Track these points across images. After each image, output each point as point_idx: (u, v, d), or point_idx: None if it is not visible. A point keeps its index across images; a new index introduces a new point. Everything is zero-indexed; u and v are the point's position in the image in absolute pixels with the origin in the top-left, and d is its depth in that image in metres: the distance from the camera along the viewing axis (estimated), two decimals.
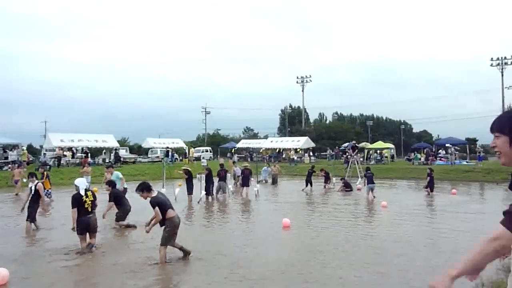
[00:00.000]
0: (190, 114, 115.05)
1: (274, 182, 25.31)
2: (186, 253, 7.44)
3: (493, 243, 1.85)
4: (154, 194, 7.30)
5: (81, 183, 8.23)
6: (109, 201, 10.88)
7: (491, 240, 1.86)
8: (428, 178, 18.80)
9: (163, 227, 7.18)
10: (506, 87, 49.11)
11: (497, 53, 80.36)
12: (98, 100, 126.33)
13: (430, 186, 18.68)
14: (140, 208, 11.44)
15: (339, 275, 6.48)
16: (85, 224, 7.95)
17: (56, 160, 30.76)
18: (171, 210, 7.22)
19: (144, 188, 7.34)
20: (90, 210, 8.07)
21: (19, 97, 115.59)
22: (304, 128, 64.51)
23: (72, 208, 7.94)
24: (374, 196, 16.82)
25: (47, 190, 16.79)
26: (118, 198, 10.82)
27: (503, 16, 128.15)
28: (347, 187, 20.64)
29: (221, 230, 10.78)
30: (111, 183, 11.19)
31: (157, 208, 7.01)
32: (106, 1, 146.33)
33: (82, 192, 8.06)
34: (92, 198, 8.15)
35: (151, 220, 7.30)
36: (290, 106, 79.79)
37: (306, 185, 21.06)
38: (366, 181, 17.73)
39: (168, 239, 7.16)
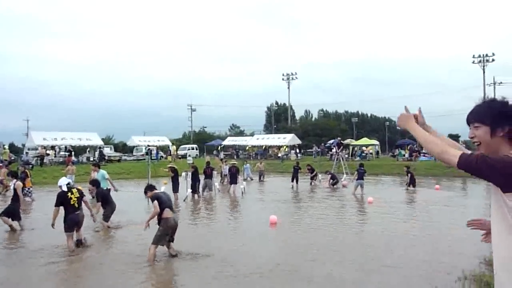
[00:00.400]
0: (176, 112, 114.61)
1: (261, 178, 25.27)
2: (173, 256, 7.41)
3: (445, 151, 1.82)
4: (156, 191, 7.78)
5: (63, 181, 8.30)
6: (97, 201, 10.57)
7: (444, 151, 1.82)
8: (409, 175, 19.30)
9: (158, 226, 7.23)
10: (487, 84, 50.13)
11: (477, 50, 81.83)
12: (83, 98, 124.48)
13: (412, 182, 19.16)
14: (125, 209, 11.36)
15: (326, 272, 6.52)
16: (74, 222, 7.95)
17: (39, 159, 30.21)
18: (168, 210, 7.27)
19: (147, 189, 7.86)
20: (77, 206, 8.06)
21: (0, 95, 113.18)
22: (290, 125, 64.74)
23: (55, 206, 8.01)
24: (360, 193, 16.94)
25: (28, 188, 16.48)
26: (104, 197, 10.62)
27: (484, 15, 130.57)
28: (333, 179, 20.96)
29: (208, 228, 10.75)
30: (95, 183, 10.99)
31: (155, 201, 7.19)
32: None
33: (65, 189, 8.07)
34: (78, 195, 8.14)
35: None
36: (276, 103, 79.93)
37: (292, 181, 21.18)
38: (356, 176, 17.79)
39: (160, 238, 7.14)
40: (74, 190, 8.21)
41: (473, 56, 49.23)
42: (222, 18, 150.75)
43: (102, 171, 12.97)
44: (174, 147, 42.75)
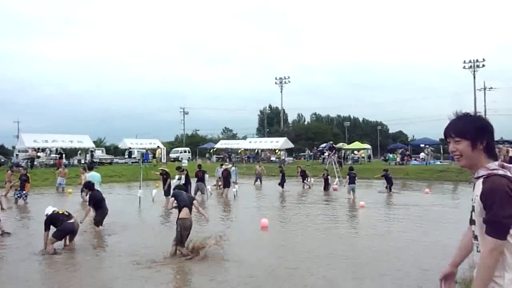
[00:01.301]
0: (168, 114, 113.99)
1: (257, 181, 24.99)
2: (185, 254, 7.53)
3: (493, 256, 1.86)
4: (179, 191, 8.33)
5: (47, 209, 8.31)
6: (88, 204, 10.16)
7: (490, 252, 1.85)
8: (386, 178, 19.51)
9: (175, 227, 7.58)
10: (477, 89, 50.74)
11: (468, 56, 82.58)
12: (73, 100, 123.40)
13: (390, 185, 19.48)
14: (116, 211, 11.28)
15: (321, 278, 6.53)
16: (69, 230, 7.97)
17: (29, 161, 29.92)
18: (186, 210, 7.59)
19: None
20: (68, 214, 8.14)
21: None
22: (282, 129, 64.87)
23: (45, 231, 7.95)
24: (352, 197, 16.92)
25: (25, 192, 16.35)
26: (97, 201, 10.17)
27: (474, 20, 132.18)
28: (326, 182, 20.96)
29: (200, 232, 10.65)
30: (89, 185, 10.59)
31: (172, 198, 7.92)
32: None
33: (50, 212, 8.14)
34: (63, 210, 8.35)
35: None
36: (270, 107, 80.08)
37: (283, 187, 21.09)
38: (348, 181, 17.83)
39: (181, 239, 7.46)
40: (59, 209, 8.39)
41: (464, 62, 49.85)
42: (214, 20, 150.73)
43: (92, 173, 12.81)
44: (160, 150, 41.23)
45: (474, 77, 49.37)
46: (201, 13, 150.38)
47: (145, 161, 36.17)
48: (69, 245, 8.15)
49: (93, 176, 12.82)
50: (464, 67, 49.77)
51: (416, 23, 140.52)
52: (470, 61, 49.43)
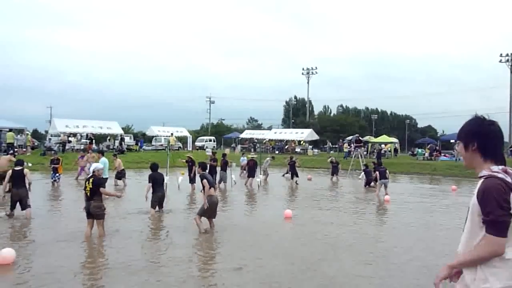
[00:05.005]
0: (192, 104, 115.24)
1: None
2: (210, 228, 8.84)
3: (488, 251, 1.99)
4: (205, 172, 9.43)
5: (92, 166, 8.64)
6: (149, 182, 10.85)
7: (488, 247, 1.98)
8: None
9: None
10: None
11: (499, 49, 78.19)
12: (99, 88, 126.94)
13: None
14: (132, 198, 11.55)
15: (342, 272, 6.52)
16: (87, 210, 8.15)
17: (61, 145, 30.89)
18: (212, 189, 8.85)
19: (199, 166, 9.74)
20: (89, 196, 8.10)
21: (20, 82, 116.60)
22: (308, 120, 64.38)
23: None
24: (383, 192, 16.18)
25: (58, 175, 17.17)
26: (154, 182, 10.81)
27: (507, 13, 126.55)
28: (367, 176, 19.55)
29: (223, 221, 10.79)
30: (153, 166, 11.19)
31: (205, 180, 8.78)
32: None
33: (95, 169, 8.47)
34: (91, 186, 8.11)
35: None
36: (295, 97, 79.57)
37: (292, 177, 20.68)
38: (378, 176, 17.09)
39: (203, 211, 8.67)
40: (91, 180, 8.20)
41: (500, 55, 47.90)
42: (235, 11, 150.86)
43: (103, 158, 14.01)
44: (173, 137, 39.26)
45: (511, 72, 47.41)
46: (222, 4, 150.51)
47: (141, 147, 39.06)
48: (98, 229, 8.16)
49: (103, 162, 13.74)
50: (500, 61, 47.88)
51: (445, 16, 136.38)
52: (507, 55, 47.50)
